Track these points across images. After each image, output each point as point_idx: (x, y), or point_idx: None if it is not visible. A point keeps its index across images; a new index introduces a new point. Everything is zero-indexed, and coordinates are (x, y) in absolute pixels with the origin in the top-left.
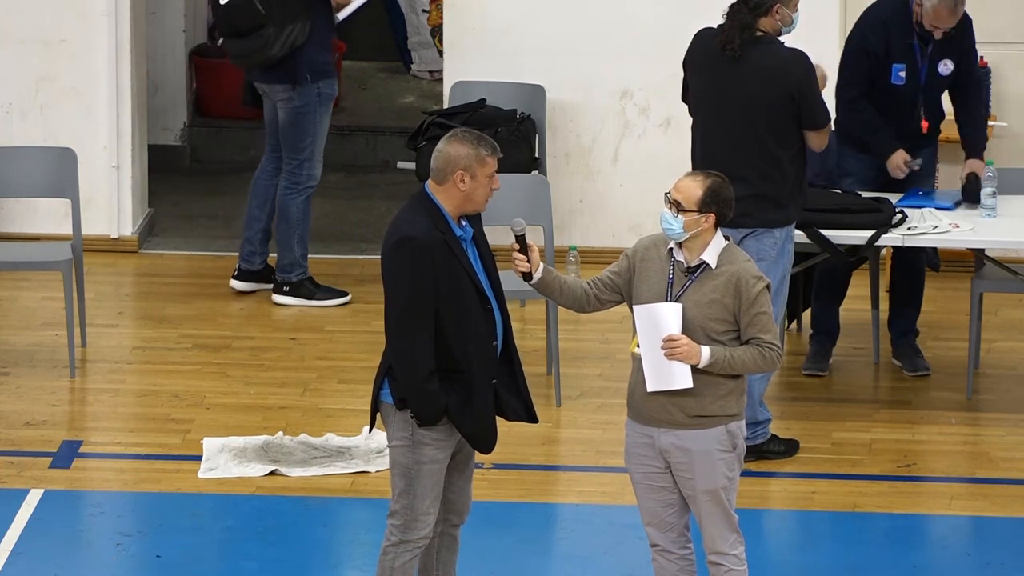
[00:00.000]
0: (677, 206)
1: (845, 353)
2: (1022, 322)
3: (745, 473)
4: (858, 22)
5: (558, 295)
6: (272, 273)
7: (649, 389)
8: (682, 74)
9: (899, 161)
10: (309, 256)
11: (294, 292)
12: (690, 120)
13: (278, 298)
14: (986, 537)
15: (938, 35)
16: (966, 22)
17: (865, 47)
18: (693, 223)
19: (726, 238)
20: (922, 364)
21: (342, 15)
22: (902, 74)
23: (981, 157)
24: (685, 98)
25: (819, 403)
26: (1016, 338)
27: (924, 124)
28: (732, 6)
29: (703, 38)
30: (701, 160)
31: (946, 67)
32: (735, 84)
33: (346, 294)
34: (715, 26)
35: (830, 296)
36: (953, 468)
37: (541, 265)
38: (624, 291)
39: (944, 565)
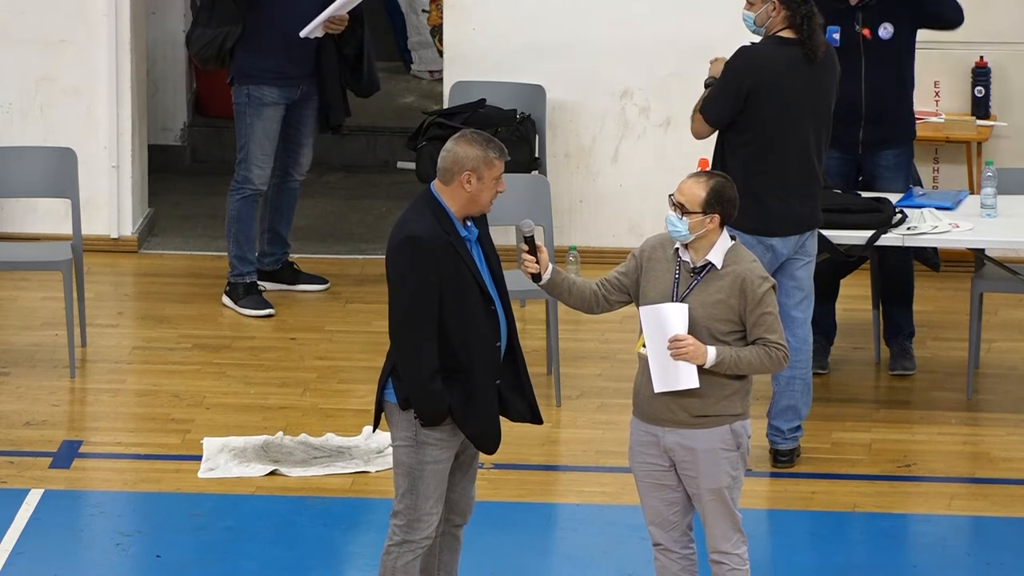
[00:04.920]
0: (681, 208)
1: (845, 353)
2: (1022, 322)
3: (745, 473)
4: None
5: (567, 296)
6: (294, 274)
7: (656, 390)
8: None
9: None
10: (318, 256)
11: (229, 293)
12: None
13: (223, 298)
14: (986, 537)
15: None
16: None
17: None
18: (698, 225)
19: (732, 238)
20: (904, 365)
21: (304, 32)
22: (836, 36)
23: None
24: (723, 121)
25: (819, 403)
26: (1016, 338)
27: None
28: (805, 12)
29: (766, 56)
30: (797, 172)
31: (886, 31)
32: (814, 86)
33: (270, 306)
34: (751, 43)
35: (819, 296)
36: (953, 468)
37: (550, 266)
38: (632, 291)
39: (944, 565)
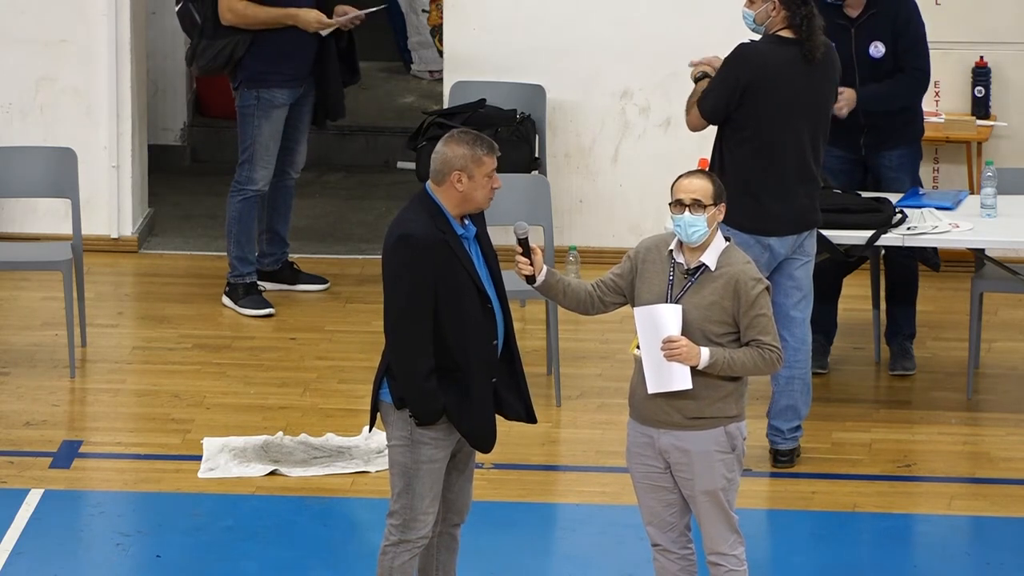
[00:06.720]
0: (699, 204)
1: (845, 353)
2: (1022, 322)
3: (745, 473)
4: None
5: (562, 297)
6: (294, 274)
7: (649, 391)
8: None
9: None
10: (318, 256)
11: (229, 294)
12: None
13: (223, 299)
14: (986, 537)
15: (852, 13)
16: (901, 4)
17: None
18: (713, 217)
19: (726, 239)
20: (904, 365)
21: (326, 32)
22: None
23: (862, 102)
24: (718, 115)
25: (819, 403)
26: (1016, 338)
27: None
28: (805, 13)
29: (763, 53)
30: (795, 172)
31: (877, 49)
32: (812, 87)
33: (270, 306)
34: (750, 40)
35: (822, 296)
36: (953, 468)
37: (544, 267)
38: (627, 292)
39: (944, 565)
